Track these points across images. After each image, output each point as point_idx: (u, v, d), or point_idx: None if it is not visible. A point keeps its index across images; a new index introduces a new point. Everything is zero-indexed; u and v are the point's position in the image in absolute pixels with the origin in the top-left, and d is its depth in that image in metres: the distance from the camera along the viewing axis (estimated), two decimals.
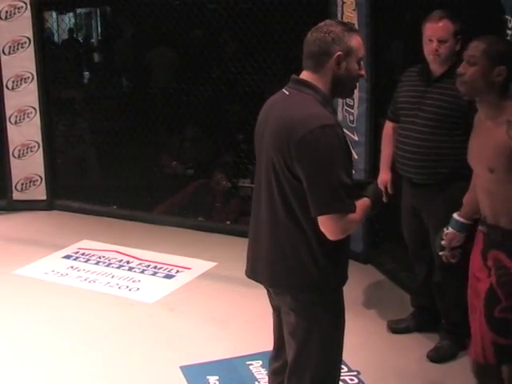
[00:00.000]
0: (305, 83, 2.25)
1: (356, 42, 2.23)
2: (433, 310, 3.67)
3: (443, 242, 2.81)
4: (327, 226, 2.18)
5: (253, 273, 2.44)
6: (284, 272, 2.30)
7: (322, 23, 2.26)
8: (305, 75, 2.28)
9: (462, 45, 3.28)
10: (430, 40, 3.30)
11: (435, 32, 3.28)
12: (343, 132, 2.25)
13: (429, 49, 3.32)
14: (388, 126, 3.67)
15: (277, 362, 2.58)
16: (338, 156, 2.15)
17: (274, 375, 2.60)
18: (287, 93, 2.29)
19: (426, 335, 3.71)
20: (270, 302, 2.53)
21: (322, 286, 2.29)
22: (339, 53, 2.20)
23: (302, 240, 2.25)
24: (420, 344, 3.64)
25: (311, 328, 2.32)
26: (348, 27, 2.27)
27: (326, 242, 2.22)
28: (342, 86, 2.26)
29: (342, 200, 2.16)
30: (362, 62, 2.28)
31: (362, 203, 2.30)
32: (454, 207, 3.25)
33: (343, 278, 2.38)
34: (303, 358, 2.36)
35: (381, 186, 3.67)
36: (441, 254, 2.85)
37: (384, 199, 3.69)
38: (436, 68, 3.35)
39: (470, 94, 2.50)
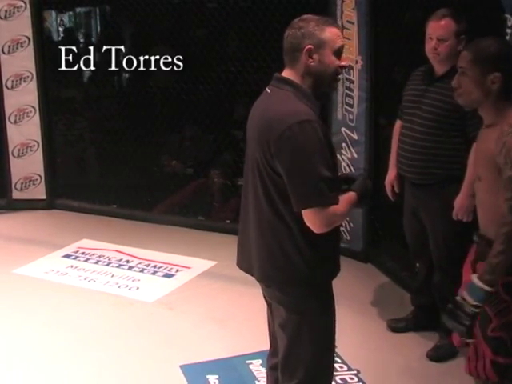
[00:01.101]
0: (284, 80, 2.29)
1: (329, 33, 2.24)
2: (433, 309, 3.67)
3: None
4: (310, 219, 2.20)
5: (244, 264, 2.48)
6: (272, 267, 2.33)
7: (297, 19, 2.30)
8: (285, 72, 2.32)
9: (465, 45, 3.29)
10: (431, 38, 3.30)
11: (435, 30, 3.28)
12: (325, 127, 2.27)
13: (428, 47, 3.32)
14: (397, 125, 3.67)
15: (274, 358, 2.59)
16: (318, 150, 2.17)
17: (272, 370, 2.62)
18: (269, 91, 2.34)
19: (426, 334, 3.71)
20: (264, 296, 2.54)
21: (310, 279, 2.31)
22: (308, 46, 2.23)
23: (287, 234, 2.27)
24: (420, 343, 3.64)
25: (301, 321, 2.34)
26: (321, 20, 2.27)
27: (310, 236, 2.24)
28: (318, 79, 2.28)
29: (322, 193, 2.17)
30: (342, 53, 2.29)
31: (347, 197, 2.31)
32: (450, 209, 3.26)
33: (332, 271, 2.39)
34: (295, 352, 2.37)
35: (388, 185, 3.69)
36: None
37: (391, 197, 3.71)
38: (438, 67, 3.35)
39: (468, 105, 2.43)
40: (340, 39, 2.28)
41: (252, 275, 2.46)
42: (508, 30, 3.13)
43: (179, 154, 6.36)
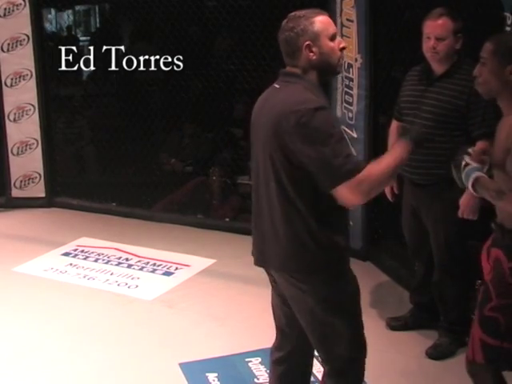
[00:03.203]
0: (292, 74, 2.35)
1: (319, 24, 2.30)
2: (431, 308, 3.68)
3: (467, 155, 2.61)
4: (345, 194, 2.21)
5: (259, 261, 2.49)
6: (291, 257, 2.35)
7: (285, 20, 2.37)
8: (290, 68, 2.37)
9: (463, 43, 3.28)
10: (428, 37, 3.28)
11: (433, 29, 3.26)
12: (335, 116, 2.31)
13: (427, 46, 3.30)
14: (393, 125, 3.65)
15: (280, 351, 2.61)
16: (335, 131, 2.23)
17: (277, 365, 2.63)
18: (278, 86, 2.38)
19: (425, 332, 3.70)
20: (275, 289, 2.55)
21: (329, 263, 2.34)
22: (307, 43, 2.29)
23: (302, 224, 2.29)
24: (419, 341, 3.64)
25: (328, 306, 2.36)
26: (309, 13, 2.33)
27: (324, 221, 2.28)
28: (323, 69, 2.34)
29: (347, 166, 2.18)
30: (337, 36, 2.35)
31: (388, 156, 2.33)
32: (453, 209, 3.26)
33: (346, 248, 2.41)
34: (328, 336, 2.40)
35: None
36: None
37: (390, 198, 3.71)
38: (436, 67, 3.34)
39: (486, 94, 2.52)
40: (331, 25, 2.34)
41: (270, 269, 2.48)
42: (507, 28, 3.13)
43: (178, 153, 6.36)
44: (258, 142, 2.40)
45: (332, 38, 2.32)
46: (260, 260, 2.49)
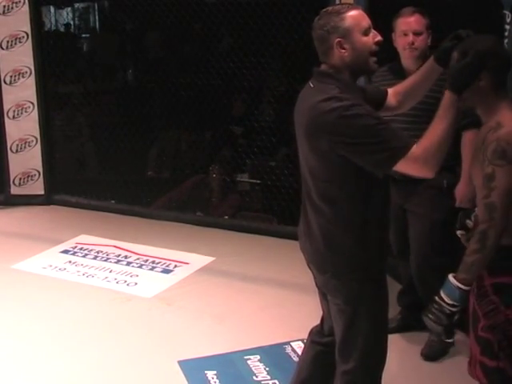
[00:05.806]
0: (326, 73, 2.32)
1: (351, 19, 2.25)
2: (420, 308, 3.67)
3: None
4: (409, 168, 2.19)
5: (303, 253, 2.52)
6: (326, 254, 2.36)
7: (316, 18, 2.32)
8: (324, 67, 2.35)
9: (433, 40, 3.30)
10: (405, 34, 3.30)
11: (410, 25, 3.29)
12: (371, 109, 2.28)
13: (404, 42, 3.30)
14: None
15: (319, 335, 2.68)
16: (374, 118, 2.19)
17: (314, 344, 2.70)
18: (312, 86, 2.35)
19: (418, 333, 3.68)
20: (316, 283, 2.58)
21: (364, 265, 2.35)
22: (337, 40, 2.25)
23: (337, 220, 2.31)
24: (414, 340, 3.62)
25: (357, 308, 2.37)
26: (339, 9, 2.28)
27: (361, 220, 2.30)
28: (356, 66, 2.30)
29: (395, 143, 2.16)
30: (371, 30, 2.28)
31: (438, 116, 2.21)
32: (440, 197, 3.26)
33: (383, 256, 2.43)
34: (350, 337, 2.40)
35: None
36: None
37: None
38: (410, 64, 3.30)
39: (463, 105, 2.33)
40: (364, 18, 2.28)
41: (307, 262, 2.50)
42: (507, 27, 3.13)
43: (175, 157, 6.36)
44: (299, 143, 2.40)
45: (366, 33, 2.26)
46: (303, 252, 2.52)
